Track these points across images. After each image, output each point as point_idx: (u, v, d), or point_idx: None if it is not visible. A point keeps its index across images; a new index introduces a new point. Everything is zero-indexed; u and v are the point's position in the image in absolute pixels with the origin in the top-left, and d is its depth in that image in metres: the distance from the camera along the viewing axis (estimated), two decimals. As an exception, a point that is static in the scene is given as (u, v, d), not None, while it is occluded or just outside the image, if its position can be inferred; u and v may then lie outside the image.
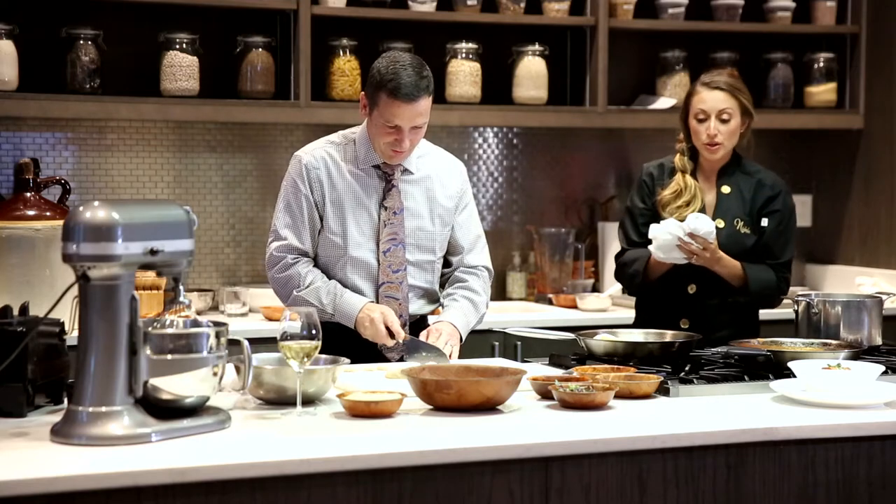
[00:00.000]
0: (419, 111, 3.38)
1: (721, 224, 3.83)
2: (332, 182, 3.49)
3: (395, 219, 3.50)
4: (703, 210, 3.84)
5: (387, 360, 3.46)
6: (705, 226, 3.70)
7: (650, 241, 3.76)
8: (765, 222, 3.86)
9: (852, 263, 5.62)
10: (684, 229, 3.69)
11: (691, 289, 3.84)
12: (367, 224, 3.50)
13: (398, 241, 3.50)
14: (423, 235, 3.55)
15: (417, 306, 3.56)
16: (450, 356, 3.36)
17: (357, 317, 3.41)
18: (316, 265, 3.52)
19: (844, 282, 5.51)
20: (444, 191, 3.59)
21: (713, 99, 3.83)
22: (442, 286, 3.65)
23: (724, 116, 3.82)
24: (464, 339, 3.51)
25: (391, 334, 3.37)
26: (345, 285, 3.48)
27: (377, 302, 3.49)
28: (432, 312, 3.66)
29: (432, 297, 3.61)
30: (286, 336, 2.77)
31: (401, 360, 3.43)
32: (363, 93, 3.47)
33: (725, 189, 3.89)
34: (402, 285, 3.51)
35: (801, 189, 5.82)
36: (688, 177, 3.87)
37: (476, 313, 3.57)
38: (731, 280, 3.81)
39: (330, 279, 3.49)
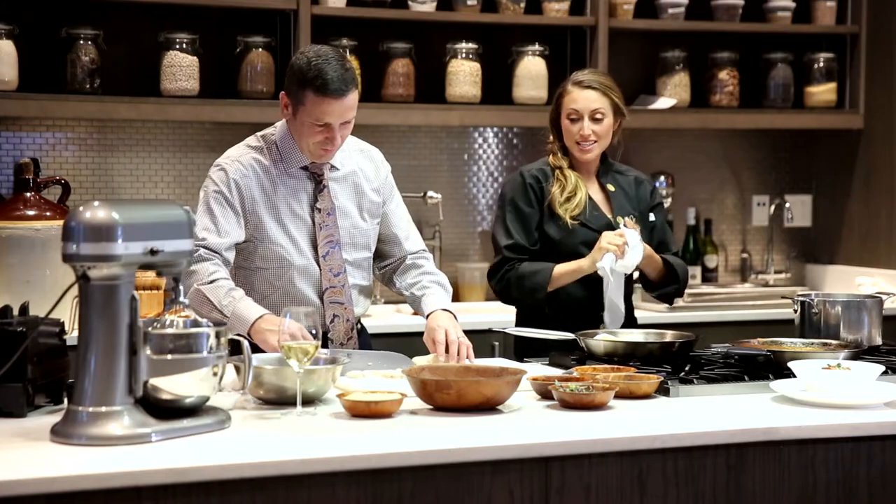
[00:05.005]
0: (349, 105, 3.26)
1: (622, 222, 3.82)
2: (263, 191, 3.36)
3: (329, 220, 3.40)
4: (595, 208, 3.80)
5: None
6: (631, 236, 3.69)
7: (541, 246, 3.74)
8: (652, 217, 3.87)
9: (852, 263, 5.62)
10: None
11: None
12: (304, 229, 3.39)
13: (335, 243, 3.41)
14: (357, 233, 3.46)
15: (361, 308, 3.49)
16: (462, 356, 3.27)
17: (250, 330, 3.17)
18: (260, 281, 3.39)
19: (844, 282, 5.51)
20: (370, 184, 3.50)
21: (585, 98, 3.78)
22: (388, 277, 3.57)
23: (598, 116, 3.77)
24: None
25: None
26: (294, 296, 3.37)
27: (323, 309, 3.37)
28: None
29: (368, 293, 3.53)
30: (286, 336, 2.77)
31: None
32: (283, 92, 3.35)
33: (611, 187, 3.87)
34: (345, 288, 3.42)
35: (801, 189, 5.82)
36: (566, 170, 3.81)
37: (448, 296, 3.48)
38: (656, 274, 3.80)
39: (278, 290, 3.38)
